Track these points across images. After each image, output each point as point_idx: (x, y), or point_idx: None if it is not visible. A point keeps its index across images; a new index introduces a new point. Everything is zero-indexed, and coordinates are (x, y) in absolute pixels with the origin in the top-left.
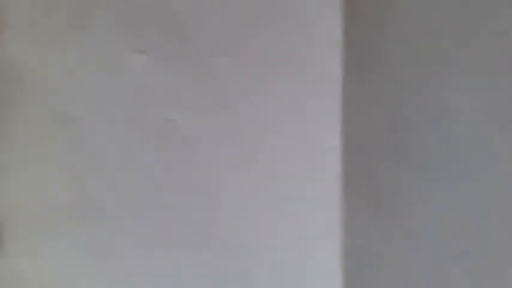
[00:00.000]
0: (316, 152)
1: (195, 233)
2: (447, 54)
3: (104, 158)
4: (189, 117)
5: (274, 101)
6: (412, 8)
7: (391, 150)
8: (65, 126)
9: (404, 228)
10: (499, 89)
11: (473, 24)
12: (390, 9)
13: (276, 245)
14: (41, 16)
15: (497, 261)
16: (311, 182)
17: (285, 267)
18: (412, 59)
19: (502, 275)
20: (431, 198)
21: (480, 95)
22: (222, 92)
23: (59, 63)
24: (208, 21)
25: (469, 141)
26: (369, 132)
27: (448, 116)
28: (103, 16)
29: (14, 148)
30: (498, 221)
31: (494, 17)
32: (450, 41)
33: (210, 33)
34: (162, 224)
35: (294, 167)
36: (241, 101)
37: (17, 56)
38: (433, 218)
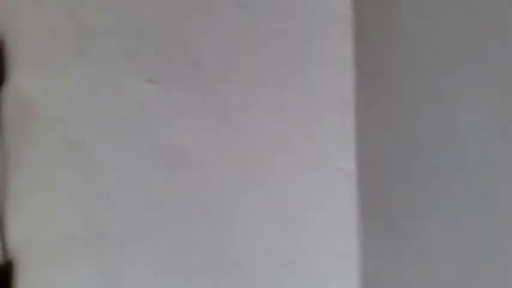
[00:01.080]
0: (330, 175)
1: (207, 258)
2: (456, 74)
3: (113, 185)
4: (198, 141)
5: (285, 123)
6: (421, 29)
7: (403, 172)
8: (74, 153)
9: (419, 250)
10: (508, 108)
11: (482, 44)
12: (399, 30)
13: (291, 270)
14: (49, 45)
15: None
16: (326, 205)
17: None
18: (421, 79)
19: None
20: (444, 219)
21: (489, 114)
22: (231, 116)
23: (67, 91)
24: (216, 46)
25: (479, 161)
26: (381, 155)
27: (458, 136)
28: (111, 44)
29: (24, 177)
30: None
31: (504, 35)
32: (459, 61)
33: (218, 58)
34: (173, 250)
35: (307, 191)
36: (251, 124)
37: (25, 85)
38: (448, 241)
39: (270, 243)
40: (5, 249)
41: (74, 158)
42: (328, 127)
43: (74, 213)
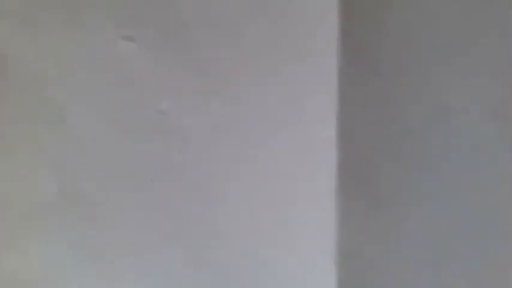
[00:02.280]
0: (311, 147)
1: (187, 227)
2: (446, 53)
3: (93, 150)
4: (181, 108)
5: (269, 94)
6: (411, 6)
7: (388, 148)
8: (53, 116)
9: (400, 227)
10: (498, 89)
11: (473, 23)
12: (388, 6)
13: (270, 242)
14: (27, 4)
15: (495, 261)
16: (306, 177)
17: (277, 264)
18: (409, 56)
19: (500, 274)
20: (428, 197)
21: (479, 95)
22: (216, 84)
23: (46, 52)
24: (204, 12)
25: (467, 141)
26: (365, 130)
27: (446, 115)
28: (93, 4)
29: (1, 140)
30: (497, 221)
31: (494, 16)
32: (449, 40)
33: (205, 24)
34: (153, 218)
35: (289, 162)
36: (235, 93)
37: (4, 44)
38: (430, 217)
39: (248, 214)
40: None
41: (53, 121)
42: (313, 100)
43: (50, 179)
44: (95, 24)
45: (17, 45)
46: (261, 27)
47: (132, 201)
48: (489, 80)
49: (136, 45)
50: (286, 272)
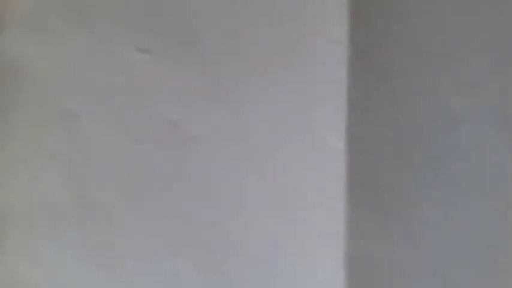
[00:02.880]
0: (320, 154)
1: (194, 233)
2: (454, 58)
3: (103, 157)
4: (190, 116)
5: (278, 101)
6: (420, 11)
7: (396, 154)
8: (64, 123)
9: (408, 233)
10: (504, 95)
11: (481, 29)
12: (397, 11)
13: (278, 248)
14: (42, 12)
15: (500, 264)
16: (315, 184)
17: (286, 270)
18: (417, 62)
19: (504, 278)
20: (436, 203)
21: (485, 101)
22: (225, 92)
23: (60, 60)
24: (213, 21)
25: (473, 146)
26: (373, 136)
27: (453, 121)
28: (106, 14)
29: (13, 145)
30: (501, 224)
31: (502, 24)
32: (457, 45)
33: (215, 33)
34: (161, 223)
35: (297, 169)
36: (244, 100)
37: (17, 52)
38: (437, 223)
39: (257, 220)
40: None
41: (64, 127)
42: (322, 107)
43: (61, 183)
44: (108, 34)
45: (30, 53)
46: (271, 37)
47: (142, 208)
48: (495, 87)
49: (149, 55)
50: (295, 278)
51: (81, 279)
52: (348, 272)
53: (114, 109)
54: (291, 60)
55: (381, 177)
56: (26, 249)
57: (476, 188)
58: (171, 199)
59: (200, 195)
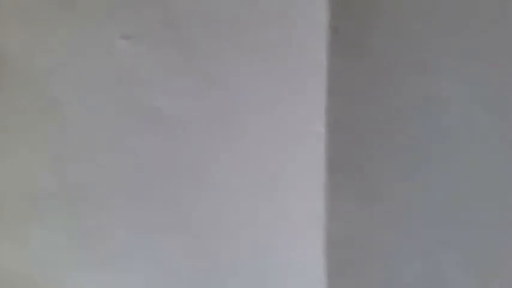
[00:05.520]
0: (301, 137)
1: (180, 215)
2: (437, 41)
3: (89, 143)
4: (174, 100)
5: (258, 85)
6: None
7: (377, 138)
8: (50, 110)
9: (390, 216)
10: (490, 78)
11: (465, 11)
12: None
13: (259, 230)
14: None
15: (486, 249)
16: (295, 167)
17: (266, 254)
18: (400, 45)
19: (492, 262)
20: (419, 187)
21: (471, 84)
22: (207, 76)
23: (44, 47)
24: (195, 5)
25: (458, 130)
26: (354, 119)
27: (437, 104)
28: (90, 0)
29: (1, 134)
30: (488, 209)
31: (486, 4)
32: (440, 28)
33: (197, 17)
34: (147, 208)
35: (279, 152)
36: (226, 84)
37: (3, 43)
38: (420, 207)
39: (239, 203)
40: None
41: (49, 114)
42: (303, 90)
43: (49, 171)
44: (91, 21)
45: (16, 43)
46: (251, 21)
47: (131, 194)
48: (481, 69)
49: (134, 42)
50: (276, 261)
51: (71, 264)
52: (328, 256)
53: (99, 96)
54: (271, 44)
55: (362, 161)
56: (16, 236)
57: (462, 173)
58: (159, 184)
59: (184, 177)
